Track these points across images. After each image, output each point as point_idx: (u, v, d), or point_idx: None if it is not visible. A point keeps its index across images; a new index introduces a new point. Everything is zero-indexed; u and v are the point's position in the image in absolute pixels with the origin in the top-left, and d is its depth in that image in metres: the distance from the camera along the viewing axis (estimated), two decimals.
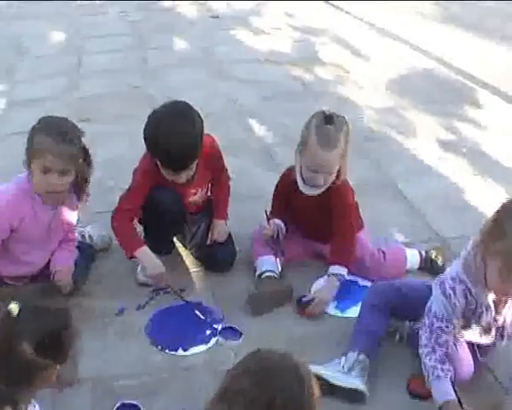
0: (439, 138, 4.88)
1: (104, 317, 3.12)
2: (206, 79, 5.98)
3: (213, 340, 2.98)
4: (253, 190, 4.13)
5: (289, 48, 6.63)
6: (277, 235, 3.32)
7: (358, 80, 5.87)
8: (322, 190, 3.14)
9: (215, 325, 3.05)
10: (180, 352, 2.92)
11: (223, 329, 3.02)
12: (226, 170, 3.50)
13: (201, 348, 2.94)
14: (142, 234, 3.36)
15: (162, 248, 3.37)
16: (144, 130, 3.06)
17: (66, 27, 7.61)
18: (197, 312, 3.10)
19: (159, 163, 3.08)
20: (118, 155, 4.48)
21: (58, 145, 2.84)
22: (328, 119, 3.04)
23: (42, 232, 3.08)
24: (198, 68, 6.21)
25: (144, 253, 3.16)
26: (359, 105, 5.44)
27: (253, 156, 4.60)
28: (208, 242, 3.37)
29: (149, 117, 3.08)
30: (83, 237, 3.51)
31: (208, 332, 3.02)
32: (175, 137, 2.95)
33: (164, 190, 3.17)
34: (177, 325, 3.06)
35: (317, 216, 3.27)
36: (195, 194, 3.33)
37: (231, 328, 3.02)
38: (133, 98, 5.56)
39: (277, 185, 3.42)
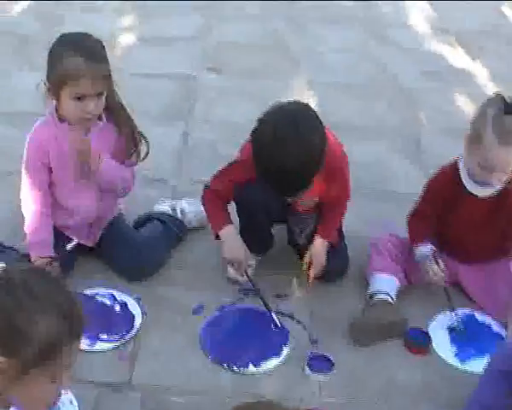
0: None
1: (178, 313, 2.93)
2: (359, 40, 5.61)
3: (285, 351, 2.76)
4: (386, 185, 3.81)
5: (463, 17, 6.13)
6: None
7: None
8: (496, 189, 2.82)
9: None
10: (251, 368, 2.68)
11: (313, 356, 2.72)
12: (347, 191, 3.10)
13: (274, 362, 2.72)
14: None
15: (256, 247, 3.13)
16: (253, 140, 2.71)
17: None
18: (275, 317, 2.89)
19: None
20: (242, 117, 4.23)
21: (91, 65, 2.74)
22: (508, 107, 2.67)
23: (75, 166, 2.94)
24: (353, 26, 5.82)
25: (227, 233, 2.95)
26: None
27: (396, 142, 4.21)
28: (304, 266, 3.03)
29: (260, 130, 2.69)
30: (174, 211, 3.33)
31: (277, 341, 2.81)
32: (288, 172, 2.59)
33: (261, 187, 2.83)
34: (239, 335, 2.85)
35: (483, 224, 2.93)
36: (303, 200, 3.01)
37: (323, 356, 2.72)
38: (273, 52, 5.31)
39: (431, 183, 3.02)
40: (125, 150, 3.04)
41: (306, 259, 2.99)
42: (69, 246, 2.94)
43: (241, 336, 2.84)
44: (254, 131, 2.70)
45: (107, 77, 2.84)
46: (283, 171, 2.59)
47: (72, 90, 2.76)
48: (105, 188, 3.04)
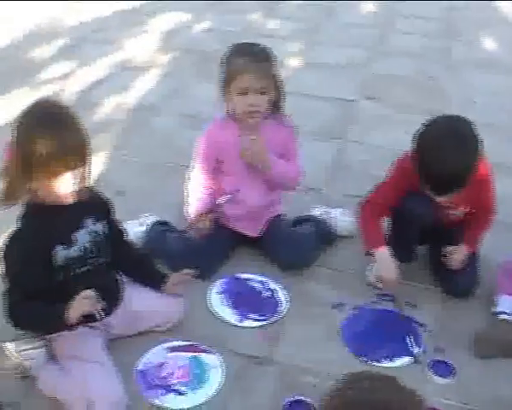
0: None
1: (319, 305, 3.04)
2: (505, 83, 5.56)
3: (416, 350, 2.83)
4: None
5: None
6: None
7: None
8: None
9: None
10: (384, 363, 2.75)
11: (437, 362, 2.77)
12: (493, 204, 3.15)
13: (405, 360, 2.79)
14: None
15: (402, 255, 3.16)
16: (418, 139, 2.82)
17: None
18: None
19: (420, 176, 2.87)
20: (393, 143, 4.27)
21: (254, 64, 2.94)
22: None
23: (243, 161, 3.12)
24: (505, 74, 5.79)
25: (383, 253, 3.00)
26: None
27: None
28: (444, 258, 3.10)
29: (426, 130, 2.82)
30: (326, 217, 3.44)
31: (409, 342, 2.88)
32: (447, 167, 2.68)
33: (418, 196, 2.93)
34: (376, 333, 2.92)
35: None
36: (452, 209, 3.09)
37: (446, 363, 2.76)
38: (426, 89, 5.33)
39: None
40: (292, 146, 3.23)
41: (448, 250, 3.07)
42: (221, 200, 3.15)
43: (377, 333, 2.91)
44: (419, 133, 2.82)
45: (270, 76, 3.00)
46: (441, 170, 2.70)
47: (237, 86, 2.97)
48: (274, 183, 3.21)
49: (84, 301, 2.42)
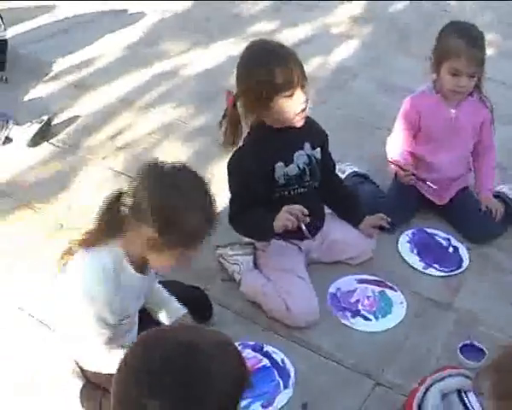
0: None
1: (498, 270, 3.24)
2: None
3: None
4: None
5: None
6: None
7: None
8: None
9: None
10: None
11: None
12: None
13: None
14: None
15: None
16: None
17: None
18: None
19: None
20: None
21: (472, 49, 3.08)
22: None
23: (443, 130, 3.34)
24: None
25: None
26: None
27: None
28: None
29: None
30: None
31: None
32: None
33: None
34: None
35: None
36: None
37: None
38: None
39: None
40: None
41: None
42: None
43: None
44: None
45: (481, 63, 3.16)
46: None
47: (450, 66, 3.16)
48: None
49: (287, 215, 2.74)
